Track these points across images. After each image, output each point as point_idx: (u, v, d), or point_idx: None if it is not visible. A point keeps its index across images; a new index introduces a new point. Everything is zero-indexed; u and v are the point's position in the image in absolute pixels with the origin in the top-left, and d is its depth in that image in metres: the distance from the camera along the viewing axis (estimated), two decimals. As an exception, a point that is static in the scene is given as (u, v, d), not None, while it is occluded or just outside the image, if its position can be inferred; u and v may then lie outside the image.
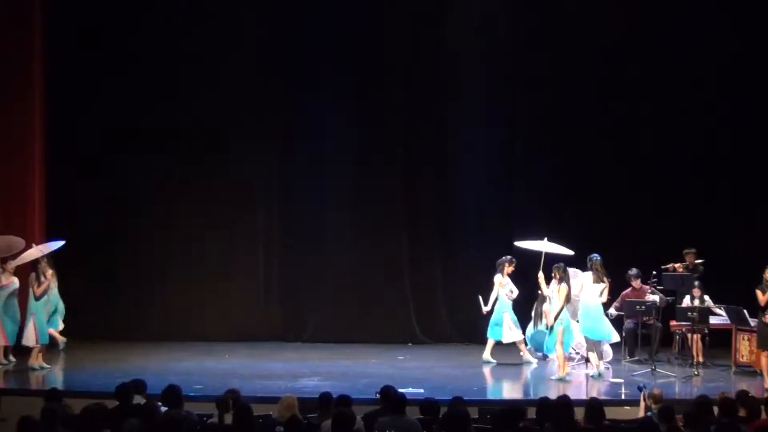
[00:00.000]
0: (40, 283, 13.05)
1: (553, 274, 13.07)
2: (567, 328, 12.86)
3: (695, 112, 15.71)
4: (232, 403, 8.31)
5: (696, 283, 13.89)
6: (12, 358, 13.30)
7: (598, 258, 13.26)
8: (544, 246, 13.45)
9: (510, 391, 12.60)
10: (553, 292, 12.97)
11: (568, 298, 12.87)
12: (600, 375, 12.90)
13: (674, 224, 15.42)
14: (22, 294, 13.36)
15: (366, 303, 16.06)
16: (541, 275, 13.38)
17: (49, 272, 13.08)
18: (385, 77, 16.20)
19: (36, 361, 13.03)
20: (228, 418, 8.13)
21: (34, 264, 13.12)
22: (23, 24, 14.75)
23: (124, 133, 15.81)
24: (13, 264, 13.22)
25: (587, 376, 13.07)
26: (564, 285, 12.85)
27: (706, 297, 13.88)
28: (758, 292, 12.19)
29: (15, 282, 13.26)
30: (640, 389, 9.55)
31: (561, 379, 12.69)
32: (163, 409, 8.17)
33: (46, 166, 15.19)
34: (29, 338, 13.05)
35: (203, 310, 15.94)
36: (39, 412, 7.55)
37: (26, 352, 13.19)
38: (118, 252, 15.75)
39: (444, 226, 16.29)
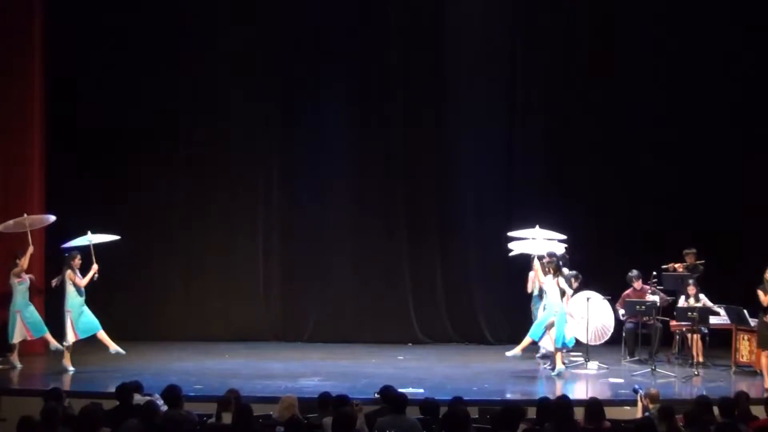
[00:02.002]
0: (79, 276, 13.03)
1: (546, 270, 13.02)
2: (560, 321, 12.89)
3: (696, 112, 15.71)
4: (233, 403, 8.31)
5: (690, 281, 13.88)
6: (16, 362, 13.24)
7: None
8: (533, 243, 13.53)
9: (510, 391, 12.57)
10: (549, 287, 12.95)
11: (562, 292, 12.92)
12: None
13: (674, 224, 15.42)
14: (49, 292, 13.40)
15: (366, 303, 16.06)
16: (533, 273, 13.46)
17: (95, 266, 13.07)
18: (385, 77, 16.20)
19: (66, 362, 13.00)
20: (227, 418, 8.13)
21: (67, 260, 13.05)
22: (23, 22, 14.70)
23: (124, 132, 15.80)
24: (25, 260, 13.20)
25: (586, 376, 13.13)
26: (560, 278, 12.88)
27: (702, 296, 13.87)
28: (760, 292, 12.16)
29: (26, 278, 13.28)
30: (635, 391, 9.55)
31: (559, 374, 12.74)
32: (164, 408, 8.19)
33: (46, 166, 15.15)
34: (69, 336, 12.99)
35: (203, 310, 15.94)
36: (39, 412, 7.55)
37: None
38: (118, 252, 15.71)
39: (444, 226, 16.28)
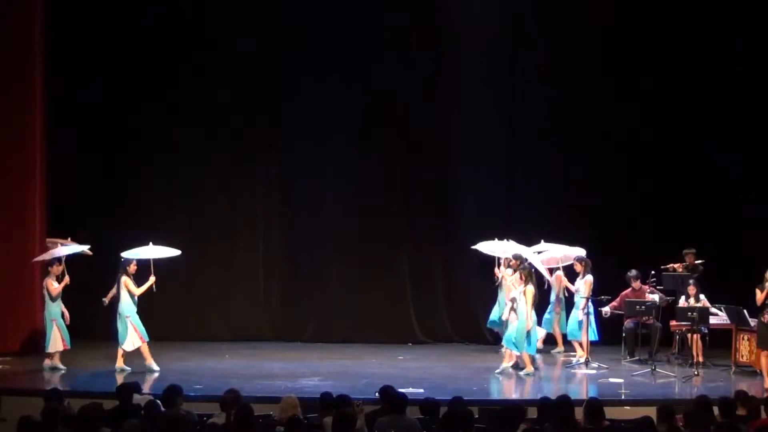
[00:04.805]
0: (136, 286, 13.01)
1: (519, 276, 13.04)
2: (533, 327, 12.94)
3: (696, 113, 15.71)
4: (233, 403, 8.30)
5: (691, 281, 13.88)
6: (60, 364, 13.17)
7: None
8: (501, 247, 13.88)
9: (510, 391, 12.59)
10: (519, 294, 12.94)
11: (535, 299, 12.95)
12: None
13: (674, 224, 15.43)
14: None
15: (366, 303, 16.07)
16: (501, 271, 13.83)
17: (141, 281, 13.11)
18: (385, 79, 16.19)
19: (149, 361, 12.97)
20: (226, 418, 8.12)
21: (123, 267, 13.03)
22: (23, 22, 14.65)
23: (124, 133, 15.78)
24: (58, 267, 13.18)
25: (587, 376, 13.15)
26: (530, 286, 12.87)
27: (702, 296, 13.87)
28: (757, 291, 12.21)
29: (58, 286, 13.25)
30: None
31: (528, 375, 12.83)
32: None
33: (47, 167, 15.12)
34: (134, 342, 12.96)
35: (203, 310, 15.94)
36: (39, 412, 7.55)
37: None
38: (119, 252, 15.71)
39: (444, 226, 16.29)
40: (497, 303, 14.34)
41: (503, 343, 13.34)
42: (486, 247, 14.39)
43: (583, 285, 14.00)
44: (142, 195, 15.86)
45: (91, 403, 7.73)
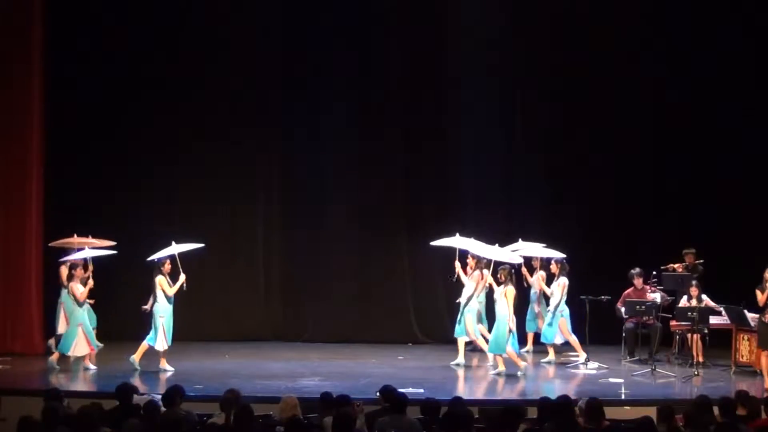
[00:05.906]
0: (170, 285, 13.01)
1: (498, 276, 12.99)
2: (503, 329, 12.84)
3: (696, 113, 15.72)
4: (233, 403, 8.31)
5: (693, 282, 13.89)
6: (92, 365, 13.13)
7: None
8: (459, 242, 13.74)
9: (510, 391, 12.58)
10: (499, 294, 12.88)
11: (515, 300, 12.89)
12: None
13: (674, 224, 15.43)
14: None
15: (366, 303, 16.08)
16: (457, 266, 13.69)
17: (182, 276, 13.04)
18: (385, 76, 16.22)
19: (162, 364, 13.01)
20: (226, 418, 8.13)
21: (158, 267, 13.00)
22: (23, 22, 14.63)
23: (123, 132, 15.76)
24: (81, 271, 13.17)
25: (586, 375, 13.15)
26: (511, 287, 12.82)
27: (704, 296, 13.87)
28: (758, 292, 12.21)
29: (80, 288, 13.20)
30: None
31: (522, 373, 12.81)
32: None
33: (45, 166, 15.11)
34: (160, 342, 13.00)
35: (203, 310, 15.93)
36: (39, 412, 7.55)
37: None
38: (118, 252, 15.72)
39: (444, 226, 16.25)
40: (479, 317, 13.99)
41: (489, 351, 13.25)
42: (445, 242, 14.13)
43: (557, 288, 13.86)
44: (141, 195, 15.82)
45: (90, 403, 7.74)
